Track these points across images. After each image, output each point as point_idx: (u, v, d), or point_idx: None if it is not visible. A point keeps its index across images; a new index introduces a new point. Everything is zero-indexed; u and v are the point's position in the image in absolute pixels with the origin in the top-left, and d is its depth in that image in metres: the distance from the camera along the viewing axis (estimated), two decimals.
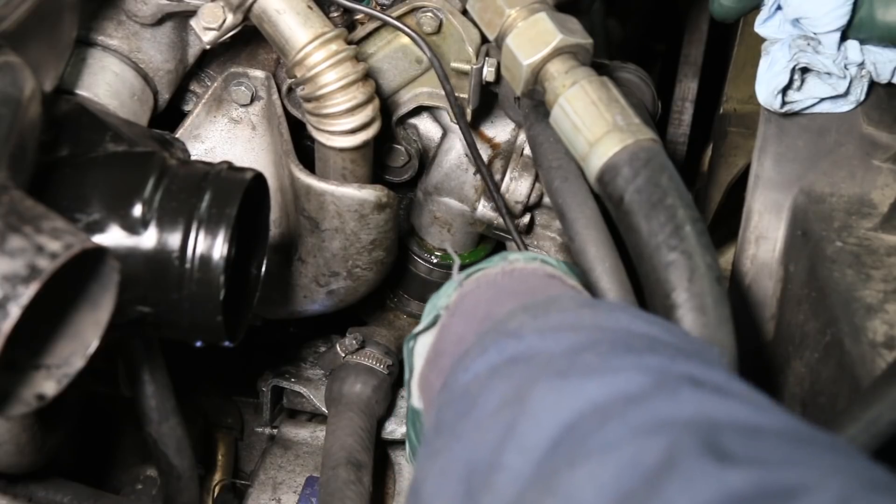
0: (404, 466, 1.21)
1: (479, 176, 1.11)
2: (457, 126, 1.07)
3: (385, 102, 1.04)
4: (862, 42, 0.93)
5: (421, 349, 0.72)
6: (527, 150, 1.10)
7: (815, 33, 0.91)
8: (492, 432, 0.54)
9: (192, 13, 0.95)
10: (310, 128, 0.96)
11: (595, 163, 0.77)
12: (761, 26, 0.96)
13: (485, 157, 1.10)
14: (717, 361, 0.58)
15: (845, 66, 0.93)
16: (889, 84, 0.96)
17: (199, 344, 0.84)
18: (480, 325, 0.64)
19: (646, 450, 0.45)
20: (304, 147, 1.03)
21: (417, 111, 1.12)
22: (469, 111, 1.03)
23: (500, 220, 1.07)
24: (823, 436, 0.47)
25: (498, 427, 0.54)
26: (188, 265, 0.76)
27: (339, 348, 1.19)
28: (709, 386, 0.50)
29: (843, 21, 0.89)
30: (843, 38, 0.92)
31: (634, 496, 0.43)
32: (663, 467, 0.44)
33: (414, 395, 0.71)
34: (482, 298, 0.67)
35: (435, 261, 1.21)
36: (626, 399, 0.50)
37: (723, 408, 0.48)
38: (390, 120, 1.07)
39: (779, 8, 0.94)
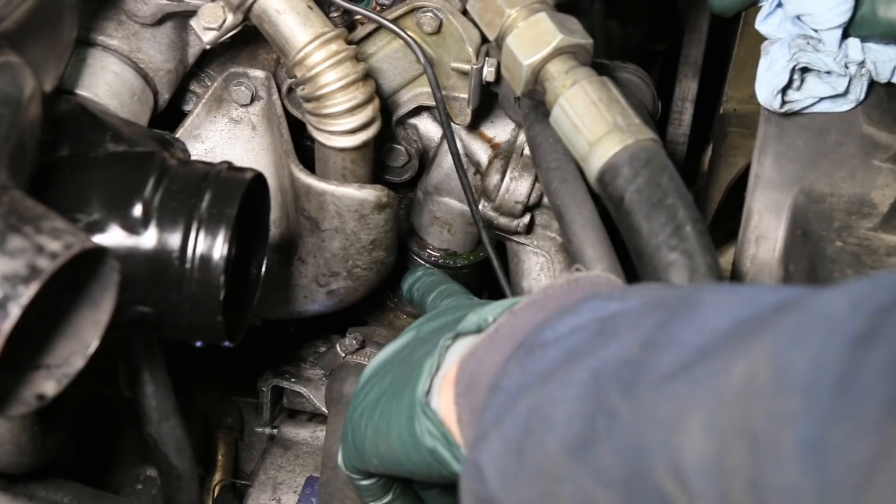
0: None
1: (478, 175, 1.11)
2: (457, 126, 1.07)
3: (385, 102, 1.04)
4: (863, 40, 0.93)
5: (458, 349, 0.65)
6: (527, 150, 1.10)
7: (816, 30, 0.91)
8: (637, 332, 0.49)
9: (192, 13, 0.95)
10: (310, 128, 0.96)
11: (595, 163, 0.77)
12: (762, 23, 0.96)
13: (485, 158, 1.10)
14: None
15: (846, 65, 0.93)
16: (889, 83, 0.96)
17: (199, 344, 0.84)
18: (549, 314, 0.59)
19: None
20: (304, 147, 1.03)
21: (417, 111, 1.12)
22: (469, 111, 1.03)
23: (501, 219, 1.07)
24: None
25: (647, 325, 0.49)
26: (188, 265, 0.76)
27: (339, 348, 1.19)
28: None
29: (845, 18, 0.89)
30: (845, 35, 0.92)
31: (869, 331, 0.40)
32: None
33: (434, 389, 0.64)
34: (547, 301, 0.62)
35: (434, 261, 1.21)
36: (801, 293, 0.46)
37: None
38: (390, 120, 1.07)
39: (779, 5, 0.94)
